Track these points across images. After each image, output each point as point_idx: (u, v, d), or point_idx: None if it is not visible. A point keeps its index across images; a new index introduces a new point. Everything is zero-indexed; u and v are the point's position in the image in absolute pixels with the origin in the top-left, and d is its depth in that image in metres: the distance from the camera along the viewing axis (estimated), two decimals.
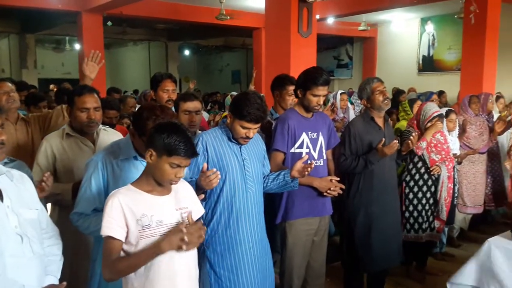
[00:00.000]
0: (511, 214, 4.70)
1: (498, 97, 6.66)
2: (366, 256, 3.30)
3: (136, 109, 3.13)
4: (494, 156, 5.07)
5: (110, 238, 1.77)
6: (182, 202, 1.93)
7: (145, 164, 1.94)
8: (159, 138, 1.78)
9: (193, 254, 1.95)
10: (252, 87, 7.54)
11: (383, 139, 3.15)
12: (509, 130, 4.99)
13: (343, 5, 8.68)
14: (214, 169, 2.24)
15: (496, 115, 5.15)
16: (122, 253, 1.81)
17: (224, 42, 15.06)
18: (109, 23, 8.66)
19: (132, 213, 1.78)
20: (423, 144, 3.77)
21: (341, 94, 5.07)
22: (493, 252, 2.65)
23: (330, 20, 10.12)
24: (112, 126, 3.62)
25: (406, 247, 3.86)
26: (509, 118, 5.12)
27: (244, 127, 2.39)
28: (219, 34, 13.52)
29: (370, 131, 3.28)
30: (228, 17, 8.39)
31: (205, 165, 2.28)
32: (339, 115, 4.97)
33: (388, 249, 3.32)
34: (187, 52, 17.31)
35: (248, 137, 2.43)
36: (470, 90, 6.25)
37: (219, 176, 2.23)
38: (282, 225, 2.98)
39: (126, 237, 1.79)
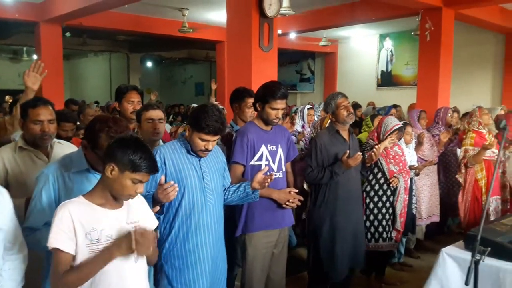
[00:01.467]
0: (463, 225, 4.85)
1: (453, 111, 6.94)
2: (331, 265, 3.37)
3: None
4: (449, 167, 5.24)
5: (58, 250, 1.71)
6: (134, 216, 1.89)
7: (97, 176, 1.89)
8: (123, 153, 1.75)
9: (144, 271, 1.91)
10: (213, 99, 7.54)
11: (348, 151, 3.28)
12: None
13: (304, 21, 8.84)
14: (172, 182, 2.22)
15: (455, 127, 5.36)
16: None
17: (187, 54, 15.01)
18: (68, 34, 8.46)
19: (81, 226, 1.73)
20: None
21: (308, 109, 5.14)
22: (447, 261, 2.73)
23: (292, 35, 10.29)
24: (69, 139, 3.53)
25: (366, 257, 3.94)
26: (462, 129, 5.33)
27: (203, 139, 2.38)
28: (183, 46, 13.48)
29: (336, 143, 3.39)
30: (191, 30, 8.39)
31: (162, 178, 2.25)
32: (306, 129, 5.03)
33: (352, 257, 3.42)
34: (149, 64, 17.12)
35: (207, 150, 2.42)
36: (425, 104, 6.48)
37: (177, 189, 2.21)
38: (242, 237, 2.98)
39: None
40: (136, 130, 2.99)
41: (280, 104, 2.86)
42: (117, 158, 1.76)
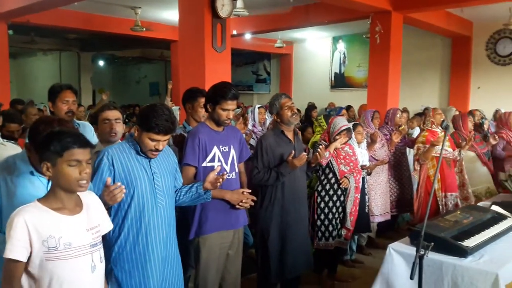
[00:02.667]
0: (414, 221, 5.03)
1: (403, 112, 7.18)
2: (279, 265, 3.39)
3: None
4: (402, 165, 5.43)
5: (12, 260, 1.65)
6: (94, 221, 1.86)
7: (43, 180, 1.83)
8: (45, 147, 1.71)
9: (101, 280, 1.88)
10: (168, 99, 7.45)
11: (293, 151, 3.30)
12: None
13: (259, 22, 8.89)
14: (119, 183, 2.17)
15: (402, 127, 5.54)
16: (24, 275, 1.70)
17: (141, 53, 14.73)
18: (10, 31, 8.06)
19: (37, 233, 1.67)
20: (326, 154, 3.96)
21: (258, 108, 5.16)
22: (394, 257, 2.82)
23: (248, 36, 10.32)
24: (15, 140, 3.39)
25: (318, 255, 4.01)
26: (410, 131, 5.54)
27: (152, 140, 2.34)
28: (136, 45, 13.22)
29: (281, 144, 3.41)
30: (144, 29, 8.25)
31: (109, 179, 2.20)
32: (258, 128, 5.06)
33: (299, 257, 3.46)
34: (101, 63, 16.68)
35: (157, 150, 2.38)
36: (376, 105, 6.66)
37: (124, 191, 2.16)
38: (196, 240, 2.96)
39: (29, 258, 1.67)
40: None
41: (231, 105, 2.86)
42: (45, 154, 1.72)
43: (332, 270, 4.30)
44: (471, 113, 7.46)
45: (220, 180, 2.57)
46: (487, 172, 5.32)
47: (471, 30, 9.43)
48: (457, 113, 6.68)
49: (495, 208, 3.53)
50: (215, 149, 2.91)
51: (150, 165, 2.45)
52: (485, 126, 6.75)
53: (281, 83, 13.25)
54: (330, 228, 4.03)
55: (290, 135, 3.46)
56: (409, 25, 7.75)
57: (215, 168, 2.75)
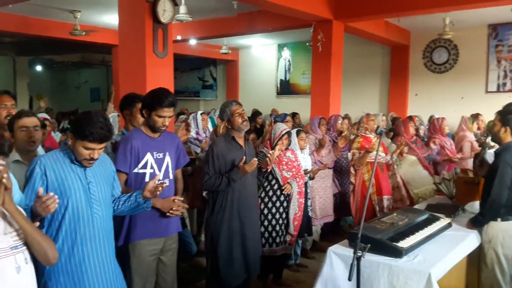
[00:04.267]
0: (356, 222, 5.17)
1: (344, 118, 7.39)
2: (228, 270, 3.40)
3: None
4: (343, 171, 5.57)
5: None
6: (11, 226, 1.81)
7: None
8: None
9: (29, 276, 1.87)
10: (111, 105, 7.25)
11: (244, 157, 3.34)
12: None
13: (204, 28, 8.87)
14: (51, 194, 2.07)
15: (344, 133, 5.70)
16: None
17: (81, 58, 14.24)
18: None
19: None
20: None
21: (201, 114, 5.13)
22: (333, 259, 2.89)
23: (192, 42, 10.27)
24: None
25: (262, 261, 4.02)
26: (352, 137, 5.71)
27: (87, 148, 2.26)
28: (76, 50, 12.77)
29: (232, 150, 3.44)
30: (84, 33, 7.99)
31: (41, 189, 2.09)
32: (201, 135, 5.02)
33: (248, 261, 3.49)
34: (39, 68, 15.93)
35: (92, 159, 2.31)
36: (319, 112, 6.82)
37: (57, 201, 2.07)
38: (125, 247, 2.91)
39: None
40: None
41: (167, 112, 2.84)
42: None
43: (277, 275, 4.33)
44: (412, 118, 7.82)
45: (160, 188, 2.52)
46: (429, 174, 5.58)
47: (408, 39, 9.89)
48: (384, 118, 6.93)
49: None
50: (148, 155, 2.87)
51: (85, 174, 2.36)
52: (421, 132, 7.07)
53: (227, 89, 13.26)
54: (274, 234, 4.07)
55: (241, 141, 3.50)
56: (350, 33, 8.01)
57: (146, 175, 2.71)
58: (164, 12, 4.20)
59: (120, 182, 2.77)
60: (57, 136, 6.13)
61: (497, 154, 3.35)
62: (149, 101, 2.86)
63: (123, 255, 2.90)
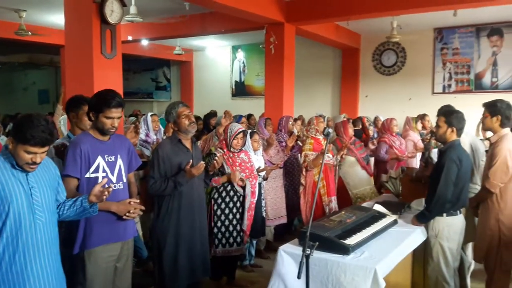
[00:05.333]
0: (307, 223, 5.25)
1: (296, 119, 7.50)
2: (173, 275, 3.36)
3: None
4: (293, 171, 5.65)
5: None
6: None
7: None
8: None
9: None
10: (60, 107, 7.02)
11: (191, 160, 3.28)
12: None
13: (156, 29, 8.75)
14: None
15: (296, 134, 5.78)
16: None
17: (28, 59, 13.67)
18: None
19: None
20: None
21: (151, 115, 5.06)
22: (284, 258, 2.93)
23: (145, 42, 10.11)
24: None
25: (216, 262, 4.03)
26: (304, 137, 5.80)
27: (28, 152, 2.19)
28: (23, 50, 12.27)
29: (178, 153, 3.38)
30: (30, 33, 7.68)
31: None
32: (151, 137, 4.95)
33: (195, 265, 3.45)
34: None
35: (34, 163, 2.23)
36: (272, 113, 6.90)
37: None
38: (81, 255, 2.81)
39: None
40: None
41: (115, 113, 2.77)
42: None
43: (230, 276, 4.34)
44: (361, 119, 8.06)
45: (106, 193, 2.47)
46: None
47: (359, 42, 10.17)
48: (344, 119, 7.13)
49: (377, 207, 3.84)
50: (99, 159, 2.79)
51: (27, 179, 2.29)
52: (370, 132, 7.30)
53: (182, 90, 13.15)
54: (227, 234, 4.07)
55: (187, 143, 3.45)
56: (302, 36, 8.14)
57: (99, 179, 2.64)
58: (112, 12, 4.11)
59: (71, 187, 2.71)
60: (2, 140, 5.88)
61: (442, 152, 3.48)
62: (96, 103, 2.79)
63: (78, 264, 2.82)
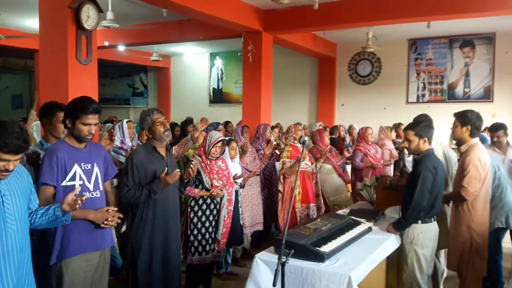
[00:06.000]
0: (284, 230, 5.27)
1: (274, 127, 7.55)
2: (148, 283, 3.32)
3: None
4: (271, 179, 5.68)
5: None
6: None
7: None
8: None
9: None
10: (34, 112, 6.89)
11: (166, 168, 3.25)
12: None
13: (133, 35, 8.71)
14: None
15: (274, 143, 5.83)
16: None
17: (1, 63, 13.39)
18: None
19: None
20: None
21: (127, 122, 5.01)
22: (260, 266, 2.93)
23: (121, 48, 10.03)
24: None
25: (192, 270, 4.00)
26: (282, 145, 5.83)
27: (2, 159, 2.14)
28: None
29: (153, 160, 3.35)
30: (3, 37, 7.54)
31: None
32: (127, 144, 4.89)
33: (169, 274, 3.42)
34: None
35: (7, 171, 2.19)
36: (250, 120, 6.93)
37: None
38: (58, 265, 2.74)
39: None
40: None
41: (92, 119, 2.74)
42: None
43: (206, 285, 4.31)
44: (336, 128, 8.16)
45: (79, 201, 2.43)
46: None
47: (335, 52, 10.32)
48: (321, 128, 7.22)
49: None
50: (75, 167, 2.74)
51: None
52: (347, 140, 7.40)
53: (159, 97, 13.07)
54: (204, 242, 4.06)
55: (162, 151, 3.42)
56: (280, 45, 8.22)
57: (76, 187, 2.60)
58: (88, 18, 4.07)
59: (48, 196, 2.66)
60: None
61: (417, 161, 3.54)
62: (72, 110, 2.75)
63: (54, 274, 2.75)
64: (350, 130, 8.37)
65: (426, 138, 3.52)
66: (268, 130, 5.72)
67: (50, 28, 4.17)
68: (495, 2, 5.79)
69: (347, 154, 5.89)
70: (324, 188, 5.53)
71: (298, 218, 4.94)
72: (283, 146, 5.33)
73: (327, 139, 5.59)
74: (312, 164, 5.14)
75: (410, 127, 3.62)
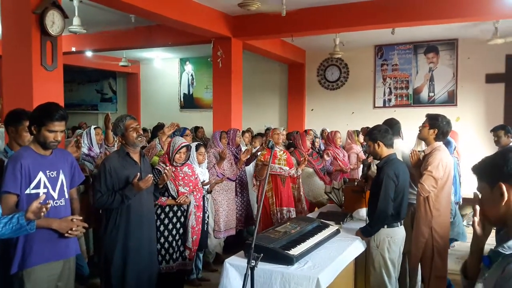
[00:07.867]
0: (259, 232, 5.29)
1: (244, 132, 7.58)
2: None
3: None
4: (244, 183, 5.70)
5: None
6: None
7: None
8: None
9: None
10: None
11: (138, 173, 3.24)
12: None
13: (101, 40, 8.59)
14: None
15: (243, 148, 5.85)
16: None
17: None
18: None
19: None
20: None
21: (95, 128, 4.95)
22: (230, 271, 2.95)
23: (89, 54, 9.88)
24: None
25: (160, 279, 3.96)
26: (254, 150, 5.87)
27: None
28: None
29: (126, 166, 3.35)
30: None
31: None
32: (95, 151, 4.82)
33: (143, 281, 3.40)
34: None
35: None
36: (221, 126, 6.93)
37: None
38: (19, 274, 2.69)
39: None
40: None
41: (58, 126, 2.70)
42: None
43: None
44: (306, 132, 8.24)
45: (44, 209, 2.39)
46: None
47: (304, 58, 10.44)
48: (285, 132, 7.26)
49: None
50: (40, 174, 2.70)
51: None
52: (317, 144, 7.48)
53: (128, 102, 12.92)
54: (171, 250, 4.03)
55: (136, 157, 3.43)
56: (249, 51, 8.27)
57: (40, 195, 2.55)
58: (53, 24, 4.00)
59: (11, 204, 2.61)
60: None
61: (379, 168, 3.62)
62: (38, 116, 2.71)
63: (15, 284, 2.69)
64: (323, 133, 8.47)
65: (380, 143, 3.59)
66: (238, 135, 5.75)
67: (14, 34, 4.07)
68: (457, 9, 5.99)
69: (326, 158, 5.99)
70: (306, 191, 5.60)
71: (275, 222, 4.96)
72: (261, 149, 5.39)
73: (308, 143, 5.68)
74: (290, 168, 5.18)
75: (367, 134, 3.75)
